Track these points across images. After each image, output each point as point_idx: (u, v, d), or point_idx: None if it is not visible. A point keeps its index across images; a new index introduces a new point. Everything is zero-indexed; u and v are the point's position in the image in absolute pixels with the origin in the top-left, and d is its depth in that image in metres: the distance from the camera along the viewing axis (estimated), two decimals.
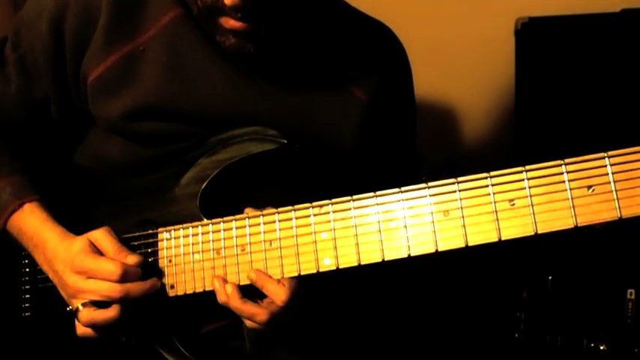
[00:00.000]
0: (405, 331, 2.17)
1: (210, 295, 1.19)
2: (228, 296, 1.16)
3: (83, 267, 1.16)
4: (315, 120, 1.29)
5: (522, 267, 2.10)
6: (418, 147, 1.50)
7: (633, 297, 1.97)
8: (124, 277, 1.15)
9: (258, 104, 1.25)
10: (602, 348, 1.98)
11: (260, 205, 1.19)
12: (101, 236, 1.19)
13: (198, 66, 1.24)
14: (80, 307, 1.17)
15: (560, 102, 2.23)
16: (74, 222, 1.25)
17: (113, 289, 1.15)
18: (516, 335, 2.10)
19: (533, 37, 2.26)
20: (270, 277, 1.15)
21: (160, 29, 1.24)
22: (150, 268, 1.21)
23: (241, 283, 1.17)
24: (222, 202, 1.23)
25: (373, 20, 1.39)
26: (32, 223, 1.24)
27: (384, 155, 1.39)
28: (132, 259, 1.18)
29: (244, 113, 1.24)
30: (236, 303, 1.15)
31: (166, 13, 1.24)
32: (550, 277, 2.06)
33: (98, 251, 1.18)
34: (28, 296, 1.32)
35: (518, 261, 2.09)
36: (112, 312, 1.16)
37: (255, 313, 1.14)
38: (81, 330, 1.20)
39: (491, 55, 2.49)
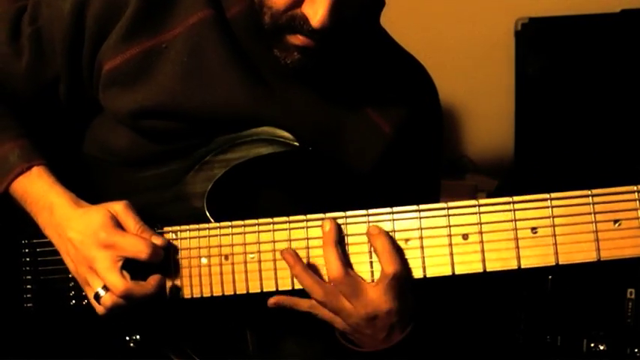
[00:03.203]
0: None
1: (217, 299, 1.17)
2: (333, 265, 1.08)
3: (109, 241, 1.12)
4: (335, 141, 1.25)
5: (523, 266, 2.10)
6: None
7: (633, 297, 1.97)
8: (153, 258, 1.13)
9: (276, 117, 1.21)
10: (602, 348, 1.98)
11: (266, 208, 1.18)
12: (122, 210, 1.15)
13: (218, 71, 1.21)
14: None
15: (559, 102, 2.24)
16: None
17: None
18: (516, 335, 2.10)
19: (533, 37, 2.27)
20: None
21: (186, 29, 1.21)
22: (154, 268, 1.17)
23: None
24: (228, 202, 1.21)
25: (408, 55, 1.35)
26: (40, 186, 1.21)
27: (399, 187, 1.33)
28: (158, 239, 1.14)
29: (258, 122, 1.21)
30: (338, 273, 1.08)
31: (195, 13, 1.21)
32: (550, 277, 2.06)
33: (120, 226, 1.15)
34: (29, 287, 1.30)
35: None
36: (150, 285, 1.13)
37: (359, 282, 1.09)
38: (111, 300, 1.13)
39: (491, 55, 2.50)
